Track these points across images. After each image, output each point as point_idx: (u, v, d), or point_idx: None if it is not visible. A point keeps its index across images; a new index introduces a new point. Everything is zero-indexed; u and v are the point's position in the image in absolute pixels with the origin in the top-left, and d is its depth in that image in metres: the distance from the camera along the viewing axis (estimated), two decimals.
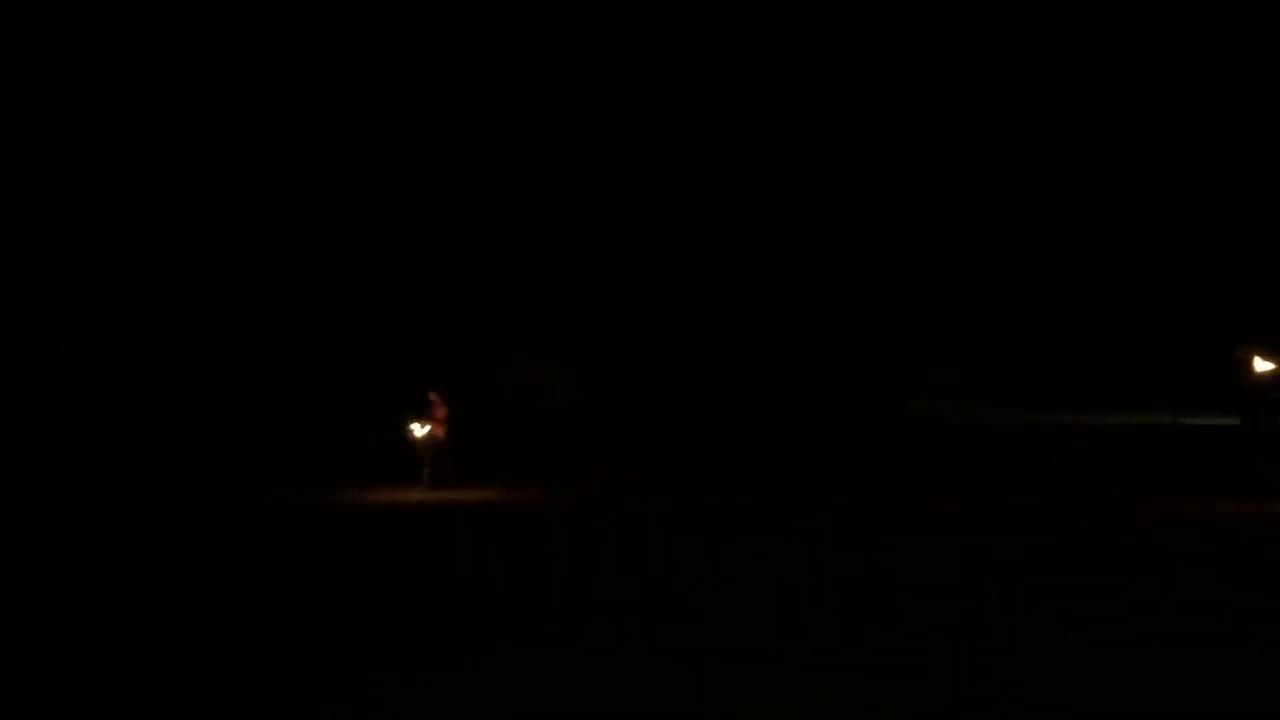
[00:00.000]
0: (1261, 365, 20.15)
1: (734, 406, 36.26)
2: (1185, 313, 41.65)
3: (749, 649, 9.72)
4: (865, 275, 44.57)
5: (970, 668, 9.05)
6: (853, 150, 43.28)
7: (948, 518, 17.55)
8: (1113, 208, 43.86)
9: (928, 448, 29.18)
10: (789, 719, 8.02)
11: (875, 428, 33.03)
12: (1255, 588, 12.09)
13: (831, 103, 43.64)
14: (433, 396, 23.11)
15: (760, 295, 43.60)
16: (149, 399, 33.82)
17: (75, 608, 11.94)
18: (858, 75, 44.05)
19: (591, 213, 43.95)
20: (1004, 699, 8.21)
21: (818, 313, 43.63)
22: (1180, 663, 9.13)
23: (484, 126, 42.85)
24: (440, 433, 22.90)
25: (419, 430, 22.79)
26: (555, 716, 8.19)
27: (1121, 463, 24.02)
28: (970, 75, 43.91)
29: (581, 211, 43.89)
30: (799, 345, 41.97)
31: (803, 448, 29.35)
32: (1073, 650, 9.44)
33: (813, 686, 8.62)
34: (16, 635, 10.83)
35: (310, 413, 33.23)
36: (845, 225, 44.62)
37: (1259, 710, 8.05)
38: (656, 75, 44.34)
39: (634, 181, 44.12)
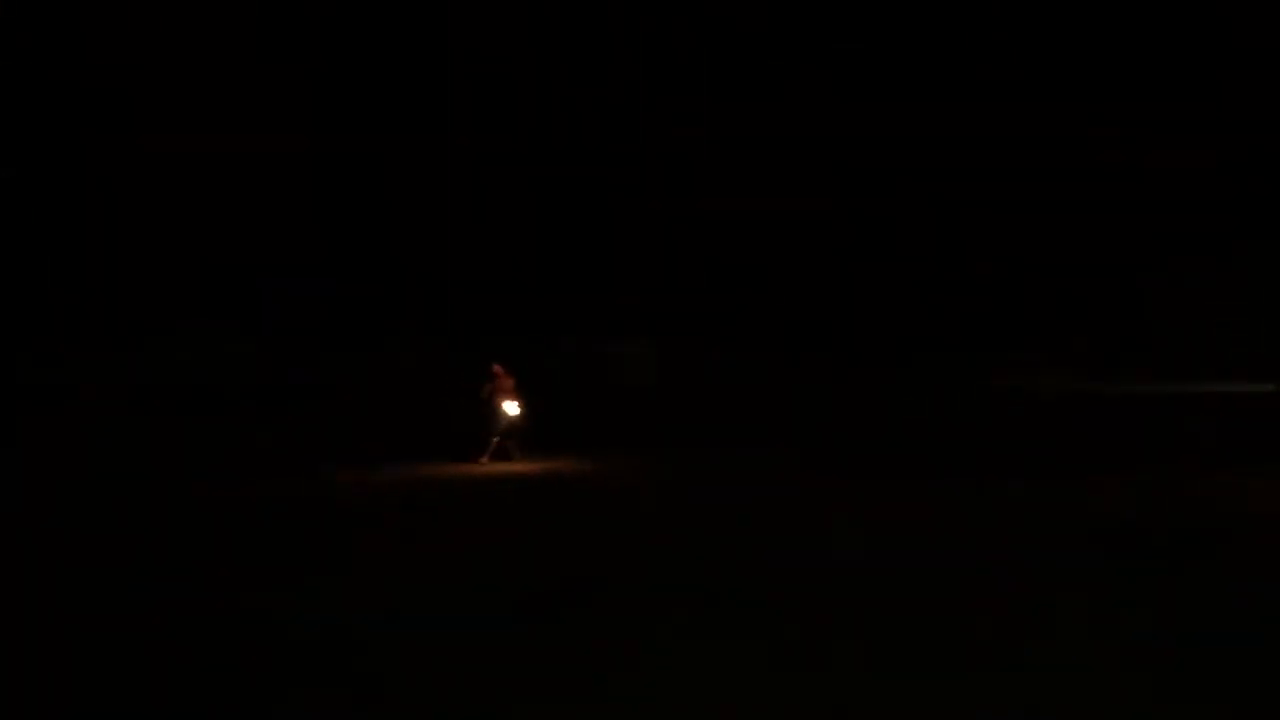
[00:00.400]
0: None
1: (797, 390, 35.95)
2: (1187, 311, 41.67)
3: (785, 636, 9.71)
4: (865, 275, 44.59)
5: (994, 658, 9.03)
6: (853, 150, 43.33)
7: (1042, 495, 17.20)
8: (1113, 208, 43.89)
9: (1018, 422, 28.49)
10: (815, 706, 8.02)
11: (962, 403, 32.41)
12: None
13: (831, 103, 43.66)
14: (497, 368, 23.11)
15: (760, 295, 43.62)
16: (149, 399, 33.81)
17: (75, 608, 11.94)
18: (858, 75, 44.07)
19: (591, 213, 43.96)
20: (1019, 689, 8.20)
21: (817, 312, 43.65)
22: (1219, 662, 9.09)
23: (484, 126, 42.87)
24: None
25: (513, 409, 22.81)
26: (575, 706, 8.20)
27: (1238, 433, 23.61)
28: (970, 75, 43.93)
29: (581, 211, 43.89)
30: (800, 346, 41.99)
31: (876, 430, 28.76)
32: (1111, 640, 9.41)
33: (833, 674, 8.62)
34: (16, 635, 10.83)
35: (318, 410, 33.19)
36: (845, 225, 44.66)
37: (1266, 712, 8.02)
38: (656, 75, 44.36)
39: (634, 181, 44.15)
